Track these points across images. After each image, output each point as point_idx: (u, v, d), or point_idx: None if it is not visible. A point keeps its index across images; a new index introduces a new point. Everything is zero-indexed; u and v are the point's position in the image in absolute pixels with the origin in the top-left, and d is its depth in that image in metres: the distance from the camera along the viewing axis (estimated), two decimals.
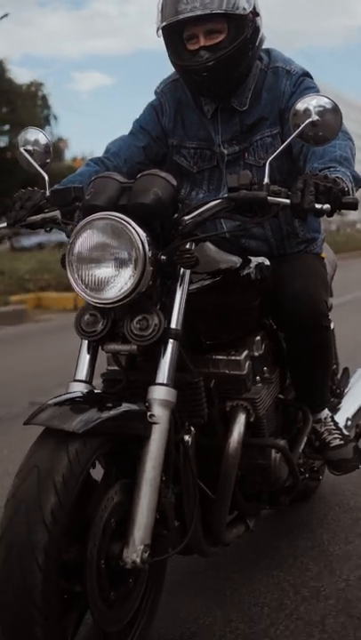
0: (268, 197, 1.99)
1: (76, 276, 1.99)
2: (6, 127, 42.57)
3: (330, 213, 1.97)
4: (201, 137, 2.63)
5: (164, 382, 1.96)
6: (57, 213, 2.28)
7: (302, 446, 2.65)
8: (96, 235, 1.96)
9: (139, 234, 1.92)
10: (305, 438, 2.66)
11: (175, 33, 2.44)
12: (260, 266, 2.44)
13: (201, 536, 2.22)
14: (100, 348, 2.07)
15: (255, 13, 2.45)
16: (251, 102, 2.55)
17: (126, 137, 2.73)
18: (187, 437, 2.07)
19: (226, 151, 2.60)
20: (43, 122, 47.46)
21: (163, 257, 1.98)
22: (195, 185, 2.68)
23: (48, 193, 2.30)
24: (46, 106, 49.06)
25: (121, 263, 1.94)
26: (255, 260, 2.44)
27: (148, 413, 1.90)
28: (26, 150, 2.42)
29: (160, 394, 1.94)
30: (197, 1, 2.34)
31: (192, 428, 2.10)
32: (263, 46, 2.57)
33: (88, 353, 2.06)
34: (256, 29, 2.47)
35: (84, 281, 1.98)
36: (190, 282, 2.08)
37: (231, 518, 2.45)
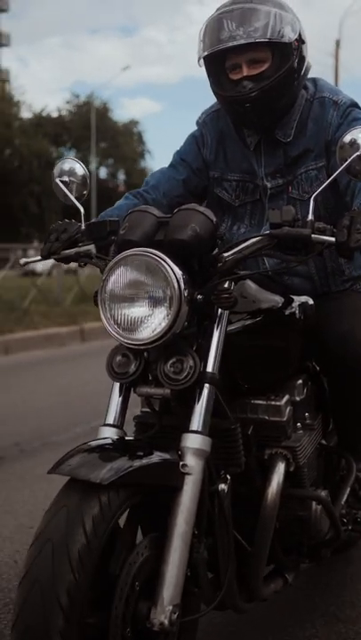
0: (313, 235, 1.88)
1: (109, 315, 1.90)
2: (110, 161, 48.18)
3: None
4: (243, 169, 2.53)
5: (199, 430, 1.85)
6: (91, 247, 2.19)
7: (345, 497, 2.51)
8: (130, 272, 1.87)
9: (174, 272, 1.83)
10: (348, 488, 2.52)
11: (217, 62, 2.35)
12: (303, 305, 2.32)
13: (236, 591, 2.09)
14: (132, 390, 1.98)
15: (301, 41, 2.35)
16: (295, 133, 2.45)
17: (166, 169, 2.64)
18: (222, 486, 1.96)
19: (269, 184, 2.49)
20: (139, 156, 51.64)
21: (199, 296, 1.88)
22: (236, 219, 2.57)
23: (83, 226, 2.22)
24: (141, 141, 53.18)
25: (155, 302, 1.85)
26: (298, 300, 2.32)
27: (181, 463, 1.79)
28: (62, 181, 2.32)
29: (194, 442, 1.83)
30: (240, 29, 2.25)
31: (228, 477, 1.99)
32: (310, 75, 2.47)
33: (119, 396, 1.97)
34: (302, 58, 2.36)
35: (116, 320, 1.89)
36: (229, 322, 1.98)
37: (268, 572, 2.31)
